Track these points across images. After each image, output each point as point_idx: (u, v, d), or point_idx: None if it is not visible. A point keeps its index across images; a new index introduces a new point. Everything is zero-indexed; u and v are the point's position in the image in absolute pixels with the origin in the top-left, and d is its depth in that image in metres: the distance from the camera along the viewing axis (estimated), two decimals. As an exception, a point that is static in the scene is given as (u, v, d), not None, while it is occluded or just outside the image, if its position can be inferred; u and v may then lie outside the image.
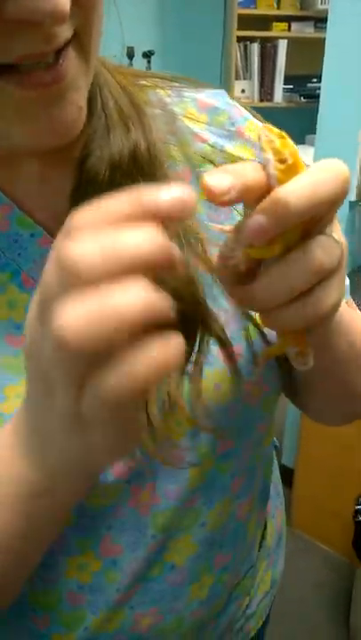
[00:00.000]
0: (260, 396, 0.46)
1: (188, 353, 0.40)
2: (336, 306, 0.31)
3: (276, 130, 0.28)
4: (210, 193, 0.25)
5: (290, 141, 0.28)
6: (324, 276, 0.29)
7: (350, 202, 1.53)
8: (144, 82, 0.46)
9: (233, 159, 0.46)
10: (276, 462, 0.61)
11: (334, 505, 1.71)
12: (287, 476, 1.95)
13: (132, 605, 0.48)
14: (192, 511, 0.47)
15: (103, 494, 0.42)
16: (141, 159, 0.40)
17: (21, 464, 0.30)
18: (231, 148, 0.46)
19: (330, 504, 1.73)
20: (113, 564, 0.45)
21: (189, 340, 0.40)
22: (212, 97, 0.48)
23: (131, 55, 2.85)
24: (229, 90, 2.95)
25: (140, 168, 0.40)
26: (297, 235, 0.28)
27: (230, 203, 0.26)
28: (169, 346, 0.22)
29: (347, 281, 0.51)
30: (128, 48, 2.83)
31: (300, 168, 0.27)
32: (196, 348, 0.41)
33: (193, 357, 0.41)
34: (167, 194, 0.23)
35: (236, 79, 2.97)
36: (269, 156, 0.27)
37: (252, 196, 0.27)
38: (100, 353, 0.21)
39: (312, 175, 0.26)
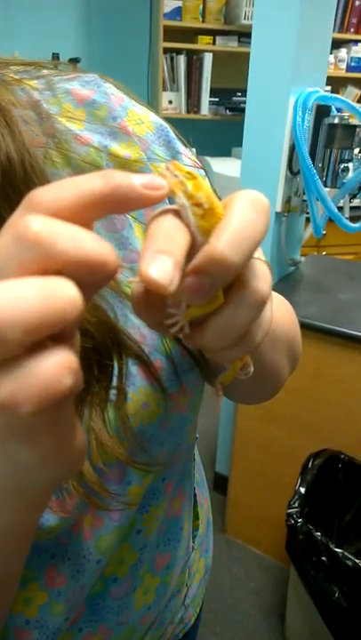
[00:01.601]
0: (187, 403, 0.45)
1: (108, 380, 0.39)
2: (272, 321, 0.30)
3: (184, 167, 0.26)
4: (158, 288, 0.22)
5: (202, 181, 0.26)
6: (266, 303, 0.28)
7: (276, 213, 1.57)
8: (9, 75, 0.41)
9: (120, 161, 0.41)
10: (197, 450, 0.61)
11: (268, 511, 1.74)
12: (222, 483, 1.96)
13: (81, 627, 0.47)
14: (129, 523, 0.46)
15: (47, 531, 0.41)
16: (16, 173, 0.35)
17: None
18: (117, 147, 0.42)
19: (264, 510, 1.76)
20: (57, 596, 0.44)
21: (106, 367, 0.39)
22: (87, 87, 0.42)
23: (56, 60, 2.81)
24: (157, 100, 2.97)
25: (15, 184, 0.35)
26: None
27: (177, 284, 0.23)
28: (66, 360, 0.20)
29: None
30: (53, 54, 2.80)
31: (218, 210, 0.25)
32: (116, 373, 0.39)
33: (114, 383, 0.39)
34: (140, 179, 0.23)
35: (164, 90, 2.99)
36: (184, 201, 0.25)
37: None
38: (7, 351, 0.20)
39: (240, 219, 0.25)
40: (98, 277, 0.21)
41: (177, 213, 0.25)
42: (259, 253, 0.28)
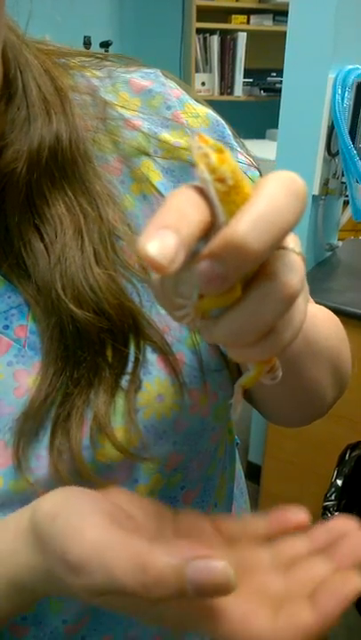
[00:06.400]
0: (210, 406, 0.43)
1: (121, 366, 0.37)
2: (304, 320, 0.27)
3: (211, 141, 0.23)
4: (156, 267, 0.20)
5: (229, 156, 0.22)
6: (296, 298, 0.24)
7: (313, 196, 1.52)
8: (72, 61, 0.42)
9: (169, 148, 0.42)
10: (238, 459, 0.58)
11: (303, 502, 1.69)
12: (254, 472, 1.94)
13: (83, 635, 0.44)
14: None
15: None
16: (63, 153, 0.36)
17: None
18: (167, 134, 0.42)
19: (298, 502, 1.69)
20: None
21: (120, 353, 0.37)
22: (146, 77, 0.44)
23: (88, 44, 2.78)
24: (190, 82, 2.93)
25: (60, 163, 0.36)
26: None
27: (180, 265, 0.20)
28: None
29: None
30: (85, 37, 2.77)
31: (245, 189, 0.22)
32: (132, 358, 0.37)
33: (128, 369, 0.37)
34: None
35: (197, 71, 2.94)
36: (205, 175, 0.22)
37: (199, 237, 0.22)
38: None
39: (268, 201, 0.21)
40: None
41: (200, 191, 0.22)
42: (294, 244, 0.24)
